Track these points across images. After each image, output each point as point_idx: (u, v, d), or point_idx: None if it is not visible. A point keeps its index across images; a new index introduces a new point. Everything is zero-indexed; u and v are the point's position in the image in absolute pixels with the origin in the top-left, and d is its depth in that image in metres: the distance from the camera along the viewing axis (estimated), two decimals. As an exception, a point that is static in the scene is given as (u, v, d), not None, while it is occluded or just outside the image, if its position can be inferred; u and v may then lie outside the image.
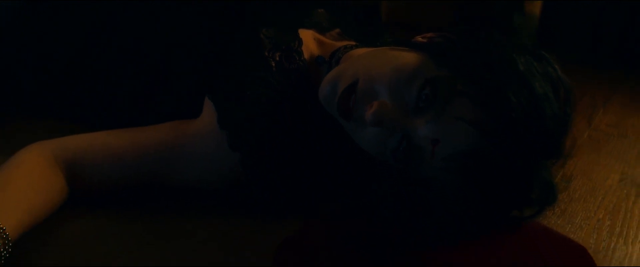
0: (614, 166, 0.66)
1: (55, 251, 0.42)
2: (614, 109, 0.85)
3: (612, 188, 0.60)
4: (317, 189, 0.50)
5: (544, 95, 0.41)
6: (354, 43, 0.52)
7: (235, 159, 0.47)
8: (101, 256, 0.42)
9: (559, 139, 0.44)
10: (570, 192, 0.58)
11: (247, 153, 0.47)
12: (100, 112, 0.57)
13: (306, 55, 0.51)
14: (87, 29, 0.57)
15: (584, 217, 0.53)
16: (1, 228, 0.38)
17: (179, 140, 0.48)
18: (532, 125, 0.41)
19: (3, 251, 0.38)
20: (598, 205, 0.56)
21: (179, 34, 0.55)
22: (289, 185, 0.48)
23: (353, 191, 0.47)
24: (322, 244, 0.45)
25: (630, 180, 0.62)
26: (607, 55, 1.21)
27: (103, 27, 0.57)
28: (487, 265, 0.45)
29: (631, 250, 0.49)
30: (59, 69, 0.57)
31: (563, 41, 1.25)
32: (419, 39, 0.46)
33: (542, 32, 1.27)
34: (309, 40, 0.53)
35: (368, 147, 0.45)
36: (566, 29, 1.30)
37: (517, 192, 0.43)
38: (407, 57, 0.43)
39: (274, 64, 0.49)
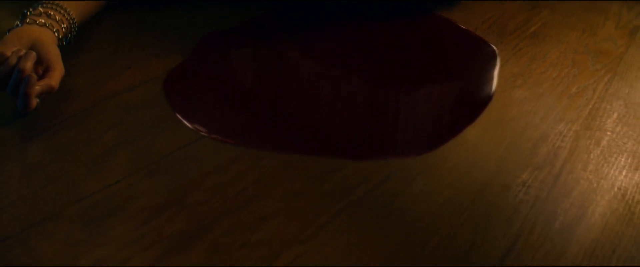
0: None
1: (101, 33, 0.65)
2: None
3: (513, 6, 0.75)
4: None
5: None
6: None
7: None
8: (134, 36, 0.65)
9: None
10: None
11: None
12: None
13: None
14: None
15: (479, 15, 0.71)
16: (71, 14, 0.59)
17: None
18: None
19: (73, 30, 0.60)
20: (493, 10, 0.73)
21: None
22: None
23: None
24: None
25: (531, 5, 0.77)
26: None
27: None
28: (401, 44, 0.65)
29: (505, 40, 0.66)
30: None
31: None
32: None
33: None
34: None
35: None
36: None
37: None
38: None
39: None
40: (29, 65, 0.49)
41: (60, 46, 0.56)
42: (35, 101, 0.50)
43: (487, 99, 0.55)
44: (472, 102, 0.55)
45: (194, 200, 0.42)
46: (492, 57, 0.63)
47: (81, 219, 0.40)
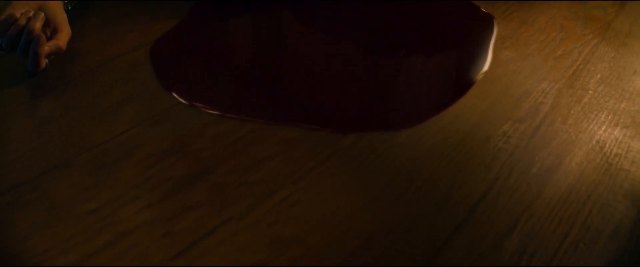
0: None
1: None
2: None
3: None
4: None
5: None
6: None
7: None
8: None
9: None
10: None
11: None
12: None
13: None
14: None
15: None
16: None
17: None
18: None
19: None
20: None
21: None
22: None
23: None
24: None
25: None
26: None
27: None
28: (394, 11, 0.67)
29: (496, 5, 0.69)
30: None
31: None
32: None
33: None
34: None
35: None
36: None
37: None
38: None
39: None
40: (38, 25, 0.52)
41: (65, 11, 0.59)
42: (44, 61, 0.53)
43: (481, 69, 0.56)
44: (468, 73, 0.57)
45: (196, 147, 0.45)
46: (488, 25, 0.64)
47: (91, 165, 0.43)
